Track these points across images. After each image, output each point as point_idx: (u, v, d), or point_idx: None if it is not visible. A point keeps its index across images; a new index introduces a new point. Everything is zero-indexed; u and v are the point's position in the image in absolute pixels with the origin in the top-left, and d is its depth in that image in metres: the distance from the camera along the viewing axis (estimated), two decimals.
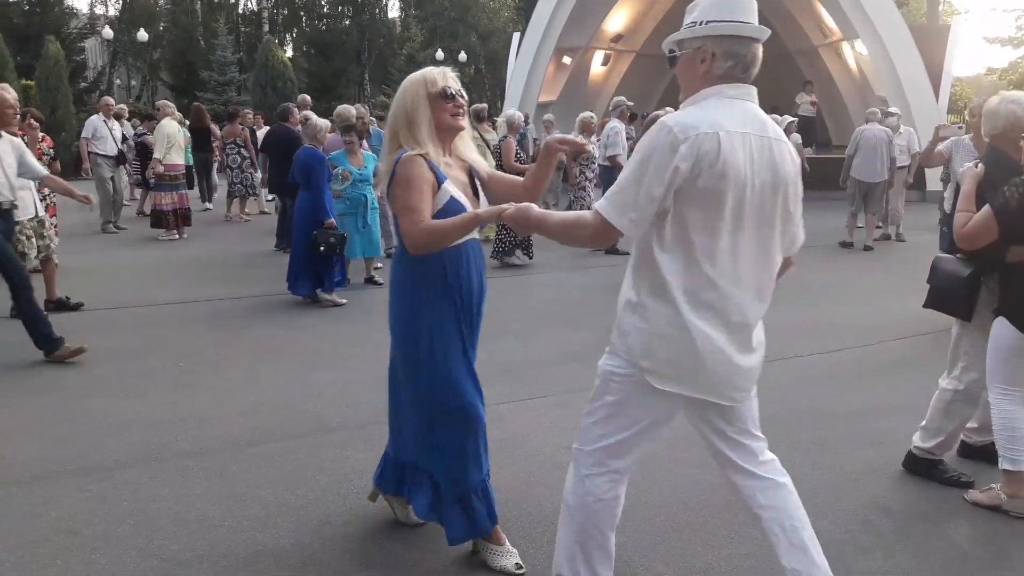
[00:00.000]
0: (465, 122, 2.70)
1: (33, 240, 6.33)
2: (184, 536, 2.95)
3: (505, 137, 9.08)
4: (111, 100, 11.56)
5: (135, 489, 3.34)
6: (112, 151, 10.87)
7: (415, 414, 2.75)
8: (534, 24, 18.88)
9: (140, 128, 13.50)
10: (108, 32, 31.53)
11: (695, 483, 3.46)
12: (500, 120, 10.01)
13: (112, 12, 40.53)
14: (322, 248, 6.56)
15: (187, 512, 3.14)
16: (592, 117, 10.83)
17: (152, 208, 10.43)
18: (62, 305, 6.48)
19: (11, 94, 5.56)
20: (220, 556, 2.82)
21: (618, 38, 20.32)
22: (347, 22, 40.58)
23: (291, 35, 43.09)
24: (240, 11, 42.21)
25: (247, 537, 2.96)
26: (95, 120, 10.95)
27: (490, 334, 5.76)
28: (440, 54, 32.61)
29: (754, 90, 2.17)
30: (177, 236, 10.20)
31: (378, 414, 4.26)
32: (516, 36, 21.28)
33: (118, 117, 12.05)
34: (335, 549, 2.88)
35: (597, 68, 20.97)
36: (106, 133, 10.84)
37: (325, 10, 41.94)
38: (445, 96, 2.59)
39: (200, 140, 12.32)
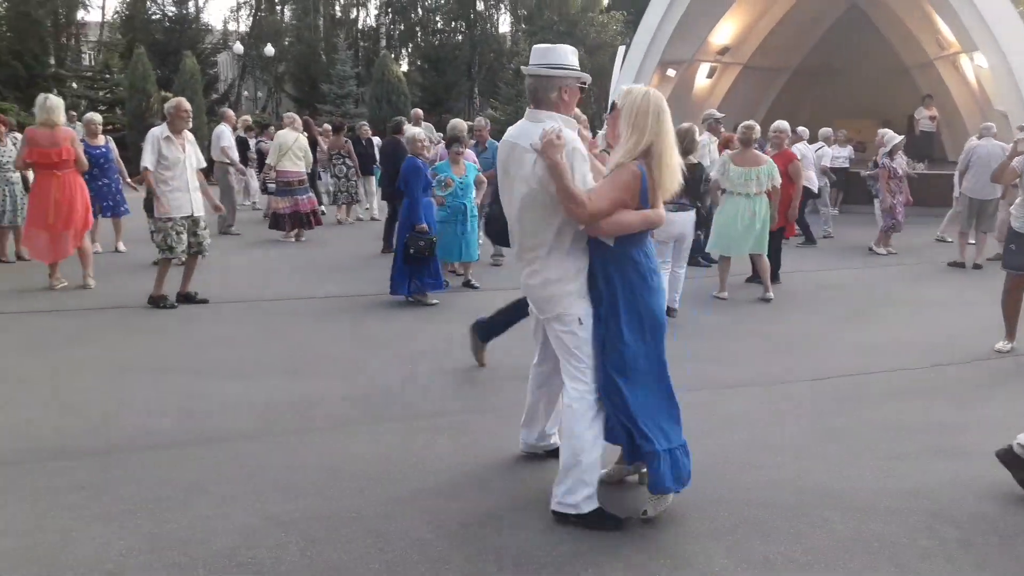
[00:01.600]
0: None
1: (183, 236, 6.95)
2: (287, 500, 3.33)
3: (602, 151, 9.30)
4: (231, 112, 12.51)
5: (248, 458, 3.76)
6: (235, 159, 11.78)
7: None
8: (639, 37, 18.97)
9: (259, 138, 14.50)
10: (239, 47, 33.71)
11: (759, 483, 3.59)
12: (600, 133, 10.22)
13: (243, 28, 43.22)
14: (412, 251, 6.97)
15: (291, 480, 3.53)
16: (692, 128, 10.88)
17: (271, 212, 11.22)
18: (188, 299, 7.13)
19: (187, 104, 7.05)
20: (317, 519, 3.18)
21: (724, 50, 20.12)
22: (459, 37, 41.76)
23: (406, 50, 44.68)
24: (359, 27, 44.15)
25: (343, 504, 3.31)
26: (225, 130, 11.86)
27: None
28: None
29: (535, 112, 3.15)
30: (294, 239, 10.93)
31: (466, 405, 4.62)
32: (621, 49, 21.42)
33: (246, 128, 13.02)
34: (415, 515, 3.20)
35: (702, 81, 20.82)
36: (231, 142, 11.75)
37: (439, 25, 43.31)
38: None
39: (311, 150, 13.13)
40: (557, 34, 36.80)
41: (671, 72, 19.68)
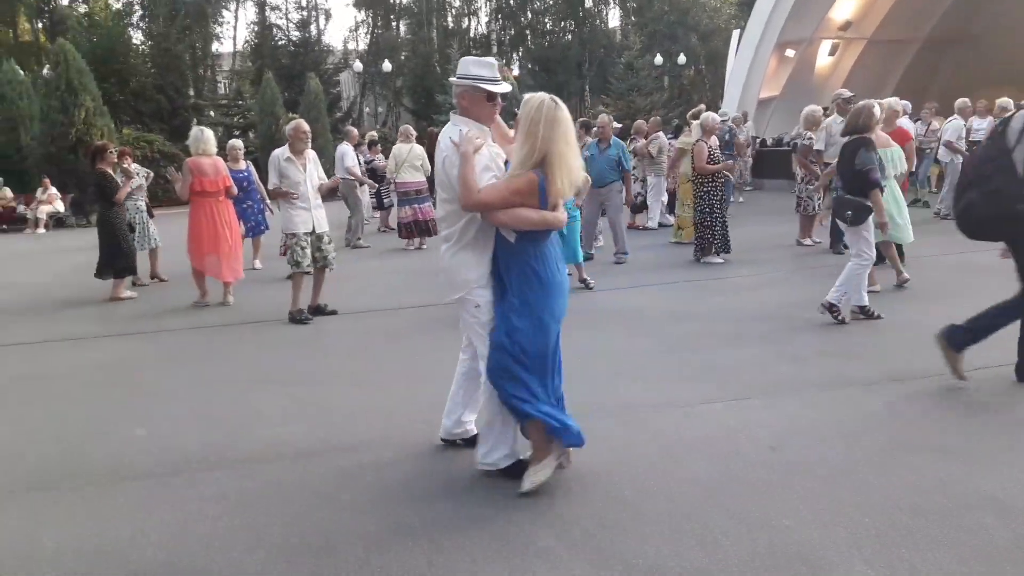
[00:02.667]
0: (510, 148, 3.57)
1: (308, 251, 7.27)
2: (415, 508, 3.38)
3: (699, 140, 9.06)
4: (354, 130, 12.97)
5: (377, 466, 3.86)
6: (360, 176, 12.22)
7: None
8: (754, 18, 18.32)
9: (368, 155, 14.96)
10: (358, 65, 35.04)
11: (903, 486, 3.35)
12: (695, 123, 9.95)
13: (362, 46, 44.95)
14: None
15: (419, 487, 3.59)
16: (818, 111, 10.39)
17: (397, 222, 11.58)
18: (320, 311, 7.44)
19: (306, 124, 7.37)
20: (443, 526, 3.21)
21: (847, 25, 19.11)
22: (569, 36, 41.75)
23: (517, 54, 45.13)
24: (471, 35, 44.97)
25: (469, 511, 3.32)
26: (348, 149, 12.32)
27: (696, 335, 5.93)
28: (659, 59, 32.48)
29: (455, 116, 3.59)
30: (414, 247, 11.23)
31: (582, 406, 4.53)
32: (735, 33, 20.74)
33: (367, 144, 13.48)
34: (539, 521, 3.17)
35: (823, 59, 19.86)
36: (355, 160, 12.19)
37: (548, 26, 43.47)
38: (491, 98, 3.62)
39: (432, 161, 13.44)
40: (668, 24, 36.15)
41: (790, 52, 18.91)
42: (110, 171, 8.80)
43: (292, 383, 5.36)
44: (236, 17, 43.20)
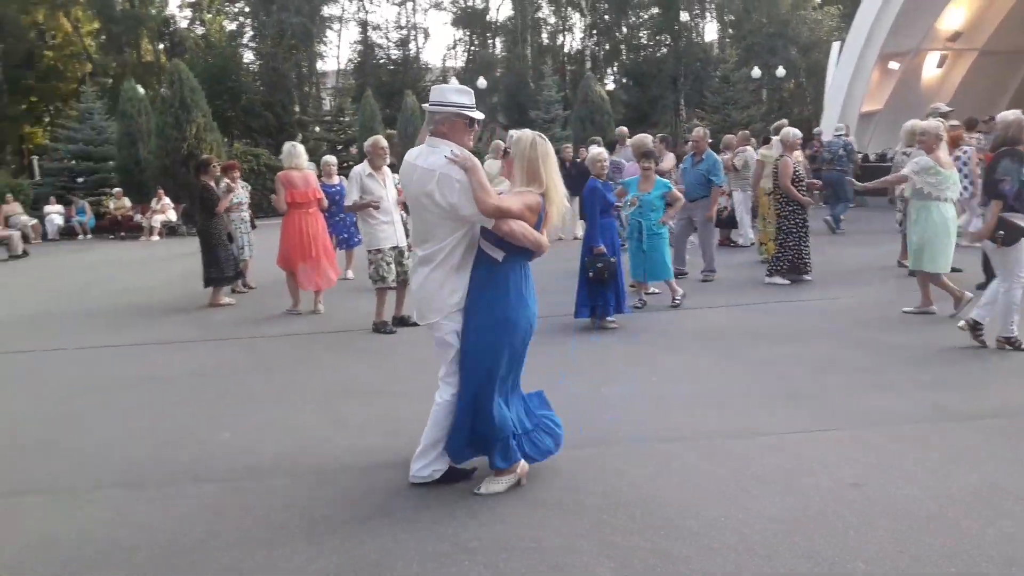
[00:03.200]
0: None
1: (392, 266, 7.41)
2: (474, 526, 3.37)
3: (781, 156, 8.74)
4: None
5: (442, 484, 3.87)
6: None
7: None
8: (856, 30, 17.65)
9: None
10: (454, 82, 35.72)
11: (1002, 536, 3.11)
12: (775, 138, 9.62)
13: (459, 64, 45.82)
14: (590, 274, 6.92)
15: (479, 506, 3.58)
16: (921, 125, 9.90)
17: None
18: (403, 322, 7.57)
19: (384, 141, 7.55)
20: (501, 547, 3.18)
21: (956, 36, 18.13)
22: (664, 50, 41.31)
23: (611, 68, 44.98)
24: (565, 51, 45.12)
25: (526, 532, 3.29)
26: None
27: (784, 359, 5.71)
28: (756, 71, 31.75)
29: (432, 139, 3.67)
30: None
31: (659, 431, 4.45)
32: (836, 45, 20.03)
33: None
34: (597, 550, 3.10)
35: (931, 71, 18.91)
36: None
37: (644, 41, 43.12)
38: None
39: None
40: (766, 36, 35.29)
41: (894, 65, 18.12)
42: (212, 184, 9.24)
43: (371, 394, 5.46)
44: (339, 37, 44.62)
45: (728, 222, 12.00)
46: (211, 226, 9.16)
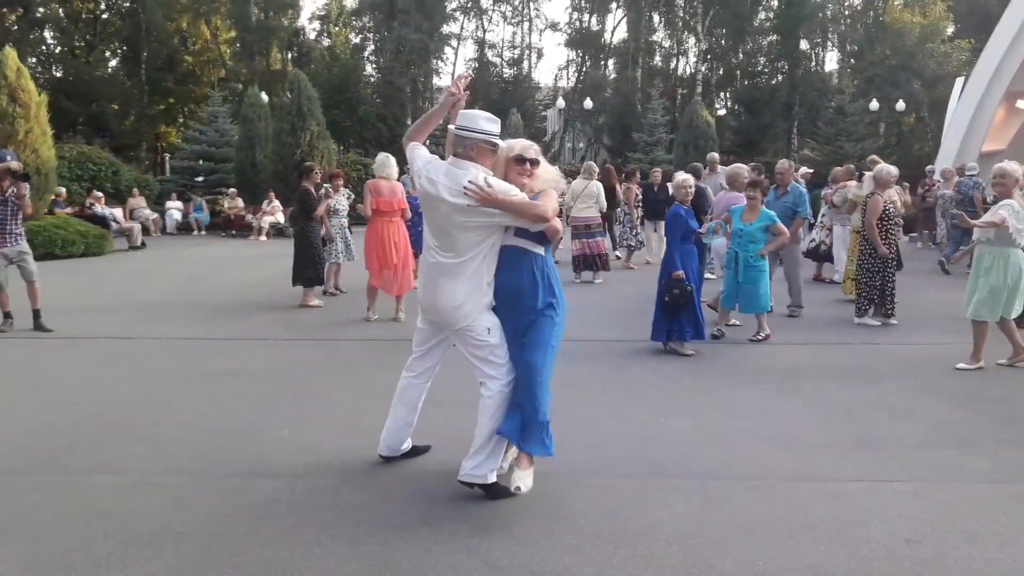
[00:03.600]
0: (535, 183, 3.89)
1: None
2: (505, 545, 3.40)
3: (872, 194, 8.36)
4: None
5: (476, 496, 3.93)
6: None
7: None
8: (981, 66, 16.77)
9: None
10: (561, 103, 36.02)
11: None
12: (868, 175, 9.22)
13: (569, 84, 46.15)
14: (666, 299, 6.87)
15: (512, 524, 3.61)
16: None
17: (572, 254, 11.77)
18: None
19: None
20: (529, 570, 3.21)
21: None
22: (780, 77, 40.34)
23: (725, 93, 44.25)
24: (678, 75, 44.68)
25: (559, 558, 3.31)
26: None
27: (861, 404, 5.48)
28: (875, 104, 30.56)
29: (456, 160, 3.84)
30: (579, 280, 11.34)
31: (713, 467, 4.36)
32: (959, 81, 19.06)
33: None
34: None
35: None
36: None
37: (760, 67, 42.22)
38: (520, 161, 3.87)
39: (608, 197, 13.50)
40: (889, 68, 33.92)
41: (1021, 104, 17.07)
42: (312, 189, 9.67)
43: (434, 403, 5.54)
44: (456, 54, 45.74)
45: (825, 256, 11.61)
46: (308, 229, 9.59)
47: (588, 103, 34.40)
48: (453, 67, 54.72)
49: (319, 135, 21.34)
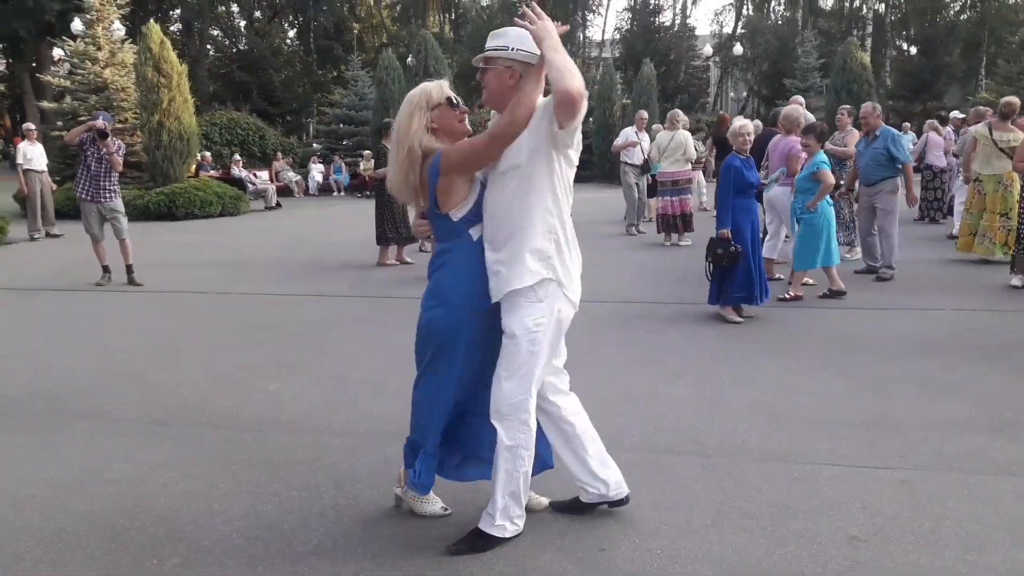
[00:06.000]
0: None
1: None
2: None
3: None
4: (643, 113, 12.64)
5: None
6: (638, 160, 11.93)
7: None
8: None
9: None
10: (708, 50, 34.18)
11: None
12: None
13: (727, 30, 43.73)
14: (709, 259, 6.29)
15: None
16: None
17: (656, 213, 11.16)
18: None
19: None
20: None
21: None
22: (967, 14, 36.03)
23: (905, 34, 40.17)
24: (851, 12, 41.00)
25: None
26: (628, 131, 12.17)
27: (895, 374, 4.82)
28: None
29: None
30: (670, 243, 10.70)
31: (679, 442, 3.98)
32: None
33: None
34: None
35: None
36: (635, 142, 11.95)
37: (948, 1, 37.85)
38: (451, 104, 2.93)
39: (720, 148, 12.61)
40: None
41: None
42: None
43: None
44: (607, 5, 44.56)
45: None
46: (383, 188, 9.68)
47: (739, 48, 32.39)
48: (604, 19, 53.38)
49: None
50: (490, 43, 2.87)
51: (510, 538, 2.98)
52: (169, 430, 4.29)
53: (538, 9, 2.71)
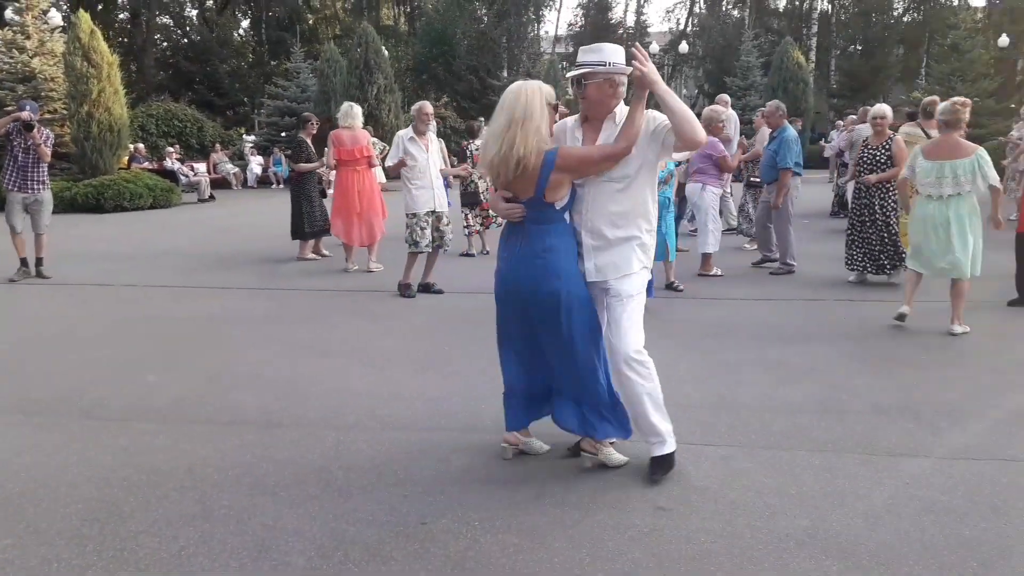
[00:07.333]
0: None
1: (427, 231, 7.44)
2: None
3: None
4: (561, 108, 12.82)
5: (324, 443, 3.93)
6: None
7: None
8: None
9: None
10: (654, 47, 34.63)
11: None
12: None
13: (677, 27, 44.20)
14: None
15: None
16: None
17: None
18: (427, 289, 7.62)
19: (429, 107, 7.57)
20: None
21: None
22: (907, 16, 36.96)
23: (847, 34, 40.96)
24: (801, 12, 41.62)
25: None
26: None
27: (756, 359, 5.00)
28: (1004, 39, 27.49)
29: None
30: None
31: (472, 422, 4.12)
32: None
33: None
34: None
35: None
36: None
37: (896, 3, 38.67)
38: (554, 109, 3.37)
39: None
40: None
41: None
42: (308, 141, 9.79)
43: (324, 353, 5.60)
44: (560, 3, 44.72)
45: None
46: (300, 182, 9.74)
47: (684, 47, 32.88)
48: (558, 13, 53.66)
49: (386, 88, 21.58)
50: (588, 58, 3.29)
51: None
52: (35, 419, 4.35)
53: (644, 51, 3.14)
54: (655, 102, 3.27)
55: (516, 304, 3.46)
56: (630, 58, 3.15)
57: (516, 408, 3.67)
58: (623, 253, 3.38)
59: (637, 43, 3.31)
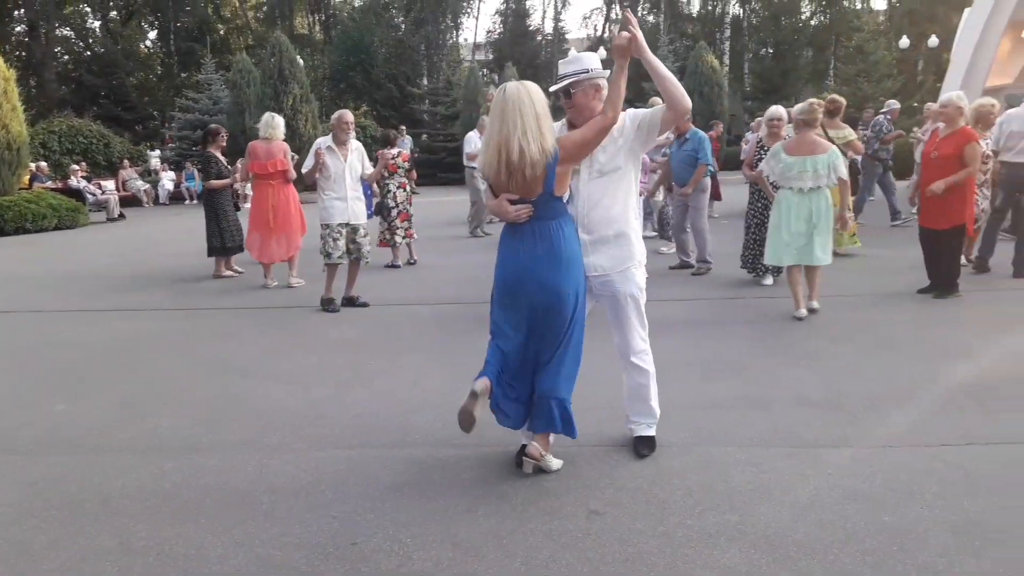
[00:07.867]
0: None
1: (340, 242, 7.28)
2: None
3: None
4: (484, 119, 12.88)
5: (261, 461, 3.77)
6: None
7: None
8: None
9: None
10: (573, 52, 34.98)
11: None
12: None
13: (597, 33, 44.84)
14: None
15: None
16: (993, 105, 8.57)
17: None
18: (351, 303, 7.46)
19: (350, 116, 7.44)
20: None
21: None
22: (815, 20, 38.45)
23: (758, 38, 42.33)
24: (715, 17, 42.78)
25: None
26: (473, 136, 12.38)
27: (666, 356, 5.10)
28: (905, 41, 28.91)
29: None
30: None
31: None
32: (966, 12, 17.77)
33: None
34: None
35: None
36: (476, 147, 12.16)
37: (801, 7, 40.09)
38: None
39: None
40: (929, 1, 32.04)
41: None
42: (218, 155, 9.49)
43: (238, 373, 5.43)
44: (478, 8, 44.81)
45: None
46: (213, 197, 9.44)
47: (602, 52, 33.33)
48: (476, 22, 53.67)
49: (302, 98, 21.20)
50: (571, 68, 3.45)
51: None
52: None
53: (634, 18, 3.36)
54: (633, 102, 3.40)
55: (524, 297, 3.41)
56: (623, 27, 3.33)
57: (495, 358, 3.50)
58: (622, 246, 3.56)
59: (628, 9, 3.55)
